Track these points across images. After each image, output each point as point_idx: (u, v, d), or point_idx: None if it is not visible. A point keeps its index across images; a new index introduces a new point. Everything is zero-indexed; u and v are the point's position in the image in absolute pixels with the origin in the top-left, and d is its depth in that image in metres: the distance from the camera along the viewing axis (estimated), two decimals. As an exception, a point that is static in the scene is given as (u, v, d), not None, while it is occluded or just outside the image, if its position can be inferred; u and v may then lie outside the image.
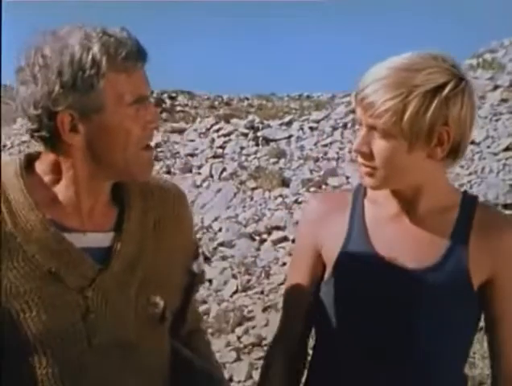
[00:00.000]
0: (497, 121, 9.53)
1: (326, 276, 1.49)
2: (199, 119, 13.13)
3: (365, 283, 1.42)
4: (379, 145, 1.33)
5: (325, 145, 10.04)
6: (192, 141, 11.61)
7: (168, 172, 10.43)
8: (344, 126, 10.52)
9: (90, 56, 1.15)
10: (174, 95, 18.68)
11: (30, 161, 1.27)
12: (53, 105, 1.17)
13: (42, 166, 1.26)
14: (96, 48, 1.15)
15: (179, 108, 17.73)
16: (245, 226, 7.97)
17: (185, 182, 9.74)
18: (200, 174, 10.06)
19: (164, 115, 17.26)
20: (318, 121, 10.85)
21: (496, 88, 10.74)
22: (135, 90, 1.20)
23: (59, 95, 1.16)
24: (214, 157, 10.51)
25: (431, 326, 1.41)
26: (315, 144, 10.08)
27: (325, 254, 1.49)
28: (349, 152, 9.79)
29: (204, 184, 9.62)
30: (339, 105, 11.79)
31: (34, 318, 1.20)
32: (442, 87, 1.29)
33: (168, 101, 18.22)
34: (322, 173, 9.08)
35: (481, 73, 11.80)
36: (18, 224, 1.20)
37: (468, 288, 1.41)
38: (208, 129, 11.78)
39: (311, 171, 9.32)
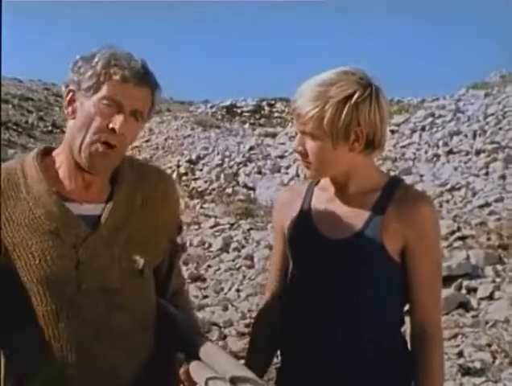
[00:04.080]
0: None
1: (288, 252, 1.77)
2: (290, 124, 14.10)
3: (308, 254, 1.69)
4: (310, 145, 1.59)
5: (403, 147, 10.66)
6: (283, 144, 12.58)
7: (259, 172, 11.47)
8: (423, 129, 11.09)
9: (95, 59, 1.48)
10: (272, 102, 19.78)
11: (48, 149, 1.60)
12: (68, 80, 1.52)
13: (56, 152, 1.59)
14: (101, 55, 1.48)
15: (276, 115, 18.81)
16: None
17: (274, 181, 10.74)
18: (287, 173, 11.00)
19: (262, 120, 18.46)
20: (399, 125, 11.43)
21: None
22: (113, 94, 1.45)
23: (72, 74, 1.50)
24: (301, 158, 11.41)
25: (355, 285, 1.64)
26: (394, 145, 10.71)
27: (286, 233, 1.76)
28: (425, 152, 10.42)
29: (291, 183, 10.52)
30: (419, 109, 12.36)
31: (37, 265, 1.47)
32: (351, 96, 1.55)
33: (267, 108, 19.38)
34: (398, 172, 9.55)
35: None
36: (30, 192, 1.50)
37: (383, 253, 1.62)
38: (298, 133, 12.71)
39: (388, 171, 9.90)
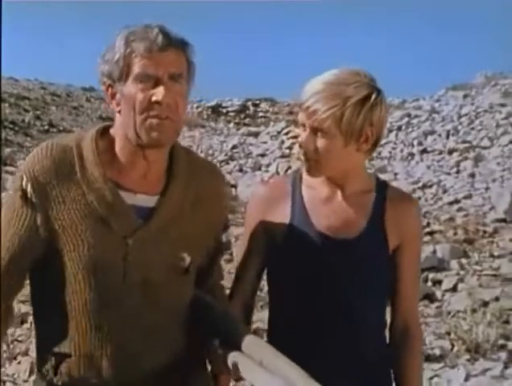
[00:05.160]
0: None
1: (276, 251, 1.70)
2: (272, 123, 14.43)
3: (308, 255, 1.64)
4: (323, 142, 1.57)
5: (380, 146, 10.99)
6: (265, 142, 12.89)
7: (241, 170, 11.77)
8: (399, 128, 11.44)
9: (116, 42, 1.42)
10: (257, 102, 20.08)
11: (107, 128, 1.51)
12: (101, 76, 1.46)
13: (112, 133, 1.50)
14: (119, 37, 1.41)
15: (261, 114, 19.11)
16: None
17: (255, 179, 11.03)
18: (267, 171, 11.31)
19: (247, 120, 18.76)
20: (376, 124, 11.73)
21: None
22: (143, 68, 1.38)
23: (101, 67, 1.44)
24: (282, 157, 11.75)
25: (361, 283, 1.65)
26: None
27: (273, 234, 1.69)
28: (401, 151, 10.76)
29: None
30: (397, 110, 12.71)
31: (85, 252, 1.43)
32: (368, 97, 1.56)
33: (252, 108, 19.68)
34: (373, 170, 9.82)
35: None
36: (85, 176, 1.43)
37: (387, 252, 1.66)
38: (279, 132, 13.07)
39: (364, 169, 10.20)
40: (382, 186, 1.72)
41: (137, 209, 1.46)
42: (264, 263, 1.74)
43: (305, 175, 1.71)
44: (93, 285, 1.45)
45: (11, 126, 16.24)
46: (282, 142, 12.42)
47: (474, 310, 5.09)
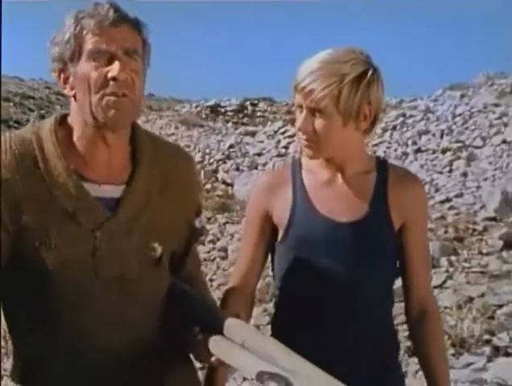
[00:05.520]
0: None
1: (279, 238, 1.67)
2: (269, 123, 14.56)
3: (312, 238, 1.62)
4: (321, 123, 1.55)
5: (375, 145, 11.15)
6: (261, 142, 13.03)
7: (237, 169, 11.91)
8: (394, 128, 11.57)
9: (65, 22, 1.37)
10: (256, 102, 20.20)
11: (64, 117, 1.44)
12: (51, 61, 1.40)
13: (70, 120, 1.43)
14: (68, 17, 1.37)
15: (259, 114, 19.23)
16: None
17: (251, 178, 11.16)
18: (264, 170, 11.44)
19: (245, 120, 18.88)
20: (371, 124, 11.88)
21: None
22: (95, 45, 1.33)
23: (52, 52, 1.39)
24: (278, 156, 11.90)
25: (368, 266, 1.61)
26: (366, 144, 11.16)
27: (276, 220, 1.67)
28: (395, 151, 10.88)
29: (267, 179, 10.98)
30: (393, 109, 12.84)
31: (53, 250, 1.36)
32: (364, 74, 1.54)
33: (250, 107, 19.79)
34: None
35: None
36: (48, 170, 1.36)
37: (392, 232, 1.63)
38: (276, 132, 13.20)
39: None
40: (383, 166, 1.68)
41: (103, 201, 1.40)
42: (268, 250, 1.71)
43: (304, 160, 1.70)
44: (64, 284, 1.38)
45: (16, 125, 16.51)
46: (279, 142, 12.55)
47: (460, 306, 5.20)
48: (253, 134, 13.91)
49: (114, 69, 1.33)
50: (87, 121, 1.38)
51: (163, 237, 1.47)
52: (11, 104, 18.01)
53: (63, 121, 1.43)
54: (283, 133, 12.97)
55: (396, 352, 1.74)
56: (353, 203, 1.63)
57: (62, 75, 1.40)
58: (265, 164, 11.66)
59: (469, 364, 4.33)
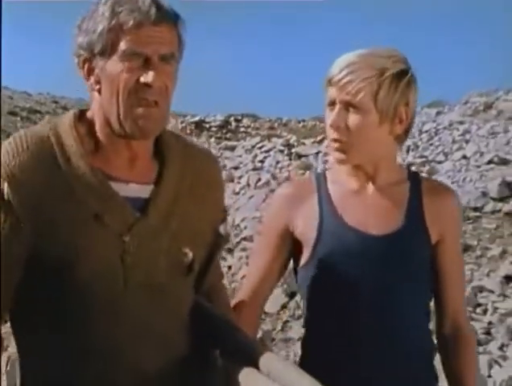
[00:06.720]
0: (493, 138, 10.94)
1: (305, 256, 1.56)
2: (248, 138, 15.07)
3: (343, 254, 1.51)
4: (355, 119, 1.46)
5: (345, 160, 11.65)
6: (239, 156, 13.52)
7: (214, 182, 12.40)
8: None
9: (99, 10, 1.24)
10: (239, 118, 20.76)
11: (84, 112, 1.34)
12: (77, 48, 1.28)
13: (90, 116, 1.33)
14: (103, 5, 1.25)
15: (242, 129, 19.78)
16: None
17: (227, 190, 11.64)
18: (239, 183, 11.91)
19: (228, 135, 19.40)
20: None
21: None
22: (132, 46, 1.22)
23: (79, 38, 1.27)
24: (253, 169, 12.38)
25: (403, 283, 1.52)
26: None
27: (300, 237, 1.55)
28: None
29: (242, 192, 11.47)
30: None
31: (78, 257, 1.24)
32: (405, 72, 1.47)
33: (234, 123, 20.35)
34: None
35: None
36: (70, 169, 1.25)
37: (428, 247, 1.55)
38: (254, 147, 13.72)
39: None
40: (416, 177, 1.62)
41: (131, 201, 1.31)
42: (286, 264, 1.63)
43: (329, 172, 1.61)
44: (91, 294, 1.27)
45: None
46: (256, 156, 13.04)
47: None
48: (232, 149, 14.41)
49: (149, 75, 1.24)
50: (112, 126, 1.29)
51: (193, 242, 1.38)
52: (18, 118, 18.45)
53: (82, 116, 1.35)
54: (260, 148, 13.49)
55: (431, 372, 1.63)
56: (387, 215, 1.55)
57: (86, 65, 1.29)
58: (240, 177, 12.12)
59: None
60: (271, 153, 12.91)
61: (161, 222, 1.33)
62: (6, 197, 1.21)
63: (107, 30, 1.24)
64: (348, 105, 1.47)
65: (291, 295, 6.07)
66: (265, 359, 1.27)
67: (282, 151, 12.78)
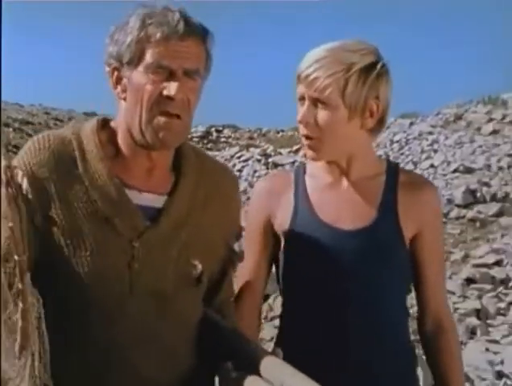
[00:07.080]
0: (460, 148, 11.48)
1: (282, 247, 1.58)
2: (228, 148, 15.52)
3: (315, 248, 1.51)
4: (324, 115, 1.45)
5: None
6: (218, 165, 14.00)
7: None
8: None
9: (130, 22, 1.28)
10: (221, 128, 21.18)
11: (107, 121, 1.39)
12: (107, 57, 1.33)
13: (114, 124, 1.37)
14: (134, 17, 1.28)
15: (223, 140, 20.20)
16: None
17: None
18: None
19: (209, 145, 19.81)
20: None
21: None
22: (158, 59, 1.26)
23: (109, 48, 1.32)
24: (232, 178, 12.86)
25: (375, 276, 1.51)
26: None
27: (278, 227, 1.57)
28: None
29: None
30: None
31: (87, 257, 1.28)
32: (374, 65, 1.45)
33: (215, 134, 20.76)
34: None
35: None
36: (88, 171, 1.30)
37: (401, 242, 1.51)
38: (232, 156, 14.19)
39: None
40: (394, 170, 1.58)
41: (143, 209, 1.33)
42: (272, 259, 1.63)
43: (309, 165, 1.61)
44: (96, 296, 1.29)
45: (15, 150, 17.05)
46: (234, 165, 13.49)
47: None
48: (211, 159, 14.87)
49: (172, 88, 1.27)
50: (134, 135, 1.32)
51: (203, 255, 1.39)
52: (11, 129, 18.71)
53: (104, 124, 1.39)
54: (239, 157, 13.97)
55: (414, 366, 1.64)
56: (359, 209, 1.53)
57: (115, 74, 1.33)
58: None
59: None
60: (249, 162, 13.40)
61: (172, 232, 1.35)
62: (24, 192, 1.23)
63: (136, 41, 1.27)
64: (316, 101, 1.47)
65: (264, 298, 6.42)
66: (277, 372, 1.24)
67: (259, 161, 13.28)
